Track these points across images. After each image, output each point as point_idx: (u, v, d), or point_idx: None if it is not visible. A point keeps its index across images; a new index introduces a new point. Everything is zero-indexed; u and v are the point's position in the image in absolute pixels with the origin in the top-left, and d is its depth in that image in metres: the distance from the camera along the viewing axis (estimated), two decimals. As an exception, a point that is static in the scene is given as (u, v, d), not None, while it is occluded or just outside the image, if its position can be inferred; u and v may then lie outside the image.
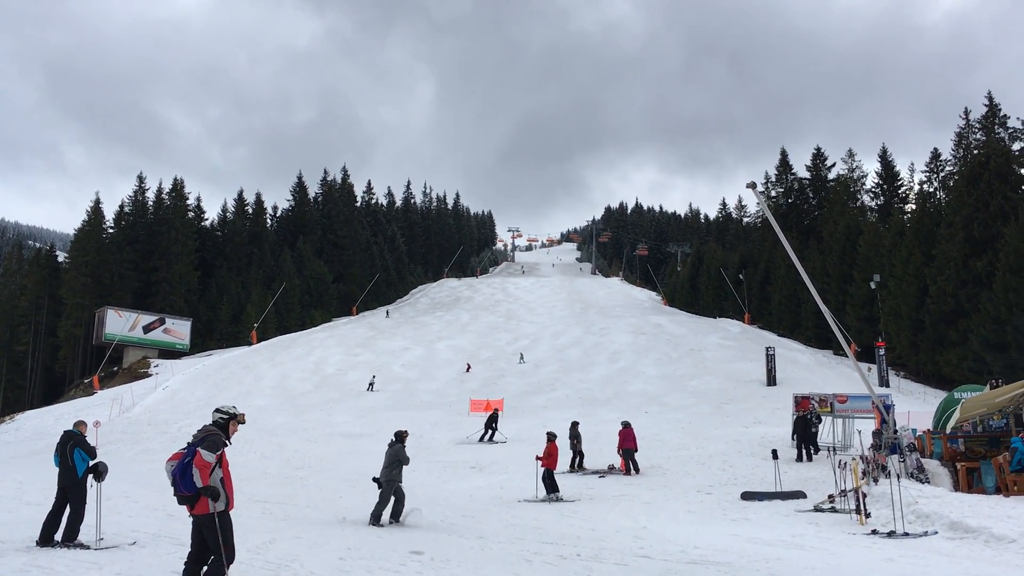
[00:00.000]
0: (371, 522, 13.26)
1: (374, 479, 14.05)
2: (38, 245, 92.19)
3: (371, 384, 43.98)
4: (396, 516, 13.54)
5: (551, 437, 19.10)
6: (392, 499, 13.63)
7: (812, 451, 22.65)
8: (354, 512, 15.16)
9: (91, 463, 10.40)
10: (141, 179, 70.19)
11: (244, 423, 7.42)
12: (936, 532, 12.31)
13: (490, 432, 29.16)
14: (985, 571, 9.86)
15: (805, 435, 22.79)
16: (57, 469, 10.47)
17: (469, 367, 47.46)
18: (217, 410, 7.11)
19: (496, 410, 30.66)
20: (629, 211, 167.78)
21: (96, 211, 65.81)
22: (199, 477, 6.54)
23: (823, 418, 25.20)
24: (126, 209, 68.77)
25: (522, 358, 48.45)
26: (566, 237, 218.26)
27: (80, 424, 11.04)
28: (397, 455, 13.95)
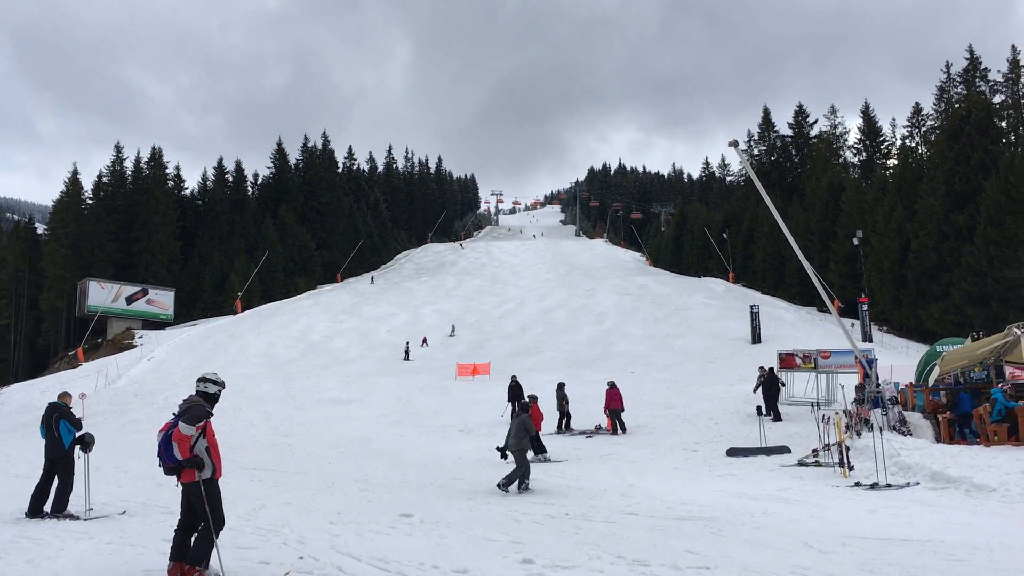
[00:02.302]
0: (501, 487, 13.21)
1: (498, 449, 14.25)
2: (16, 218, 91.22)
3: (407, 352, 42.70)
4: (522, 483, 13.49)
5: (532, 399, 19.17)
6: (515, 465, 13.72)
7: (776, 413, 22.55)
8: (343, 477, 15.23)
9: (77, 434, 10.39)
10: (119, 148, 69.33)
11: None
12: (918, 483, 12.49)
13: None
14: (966, 519, 10.02)
15: (770, 394, 22.91)
16: (43, 441, 10.46)
17: (425, 340, 46.24)
18: (201, 379, 7.08)
19: (516, 380, 26.16)
20: (612, 172, 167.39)
21: (74, 182, 65.01)
22: (178, 450, 6.54)
23: (808, 375, 25.46)
24: (104, 179, 67.95)
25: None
26: (551, 199, 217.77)
27: (64, 396, 11.01)
28: (524, 424, 13.95)
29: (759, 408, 20.99)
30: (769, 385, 23.03)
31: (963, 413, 17.30)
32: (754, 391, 23.70)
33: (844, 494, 12.29)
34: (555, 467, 16.90)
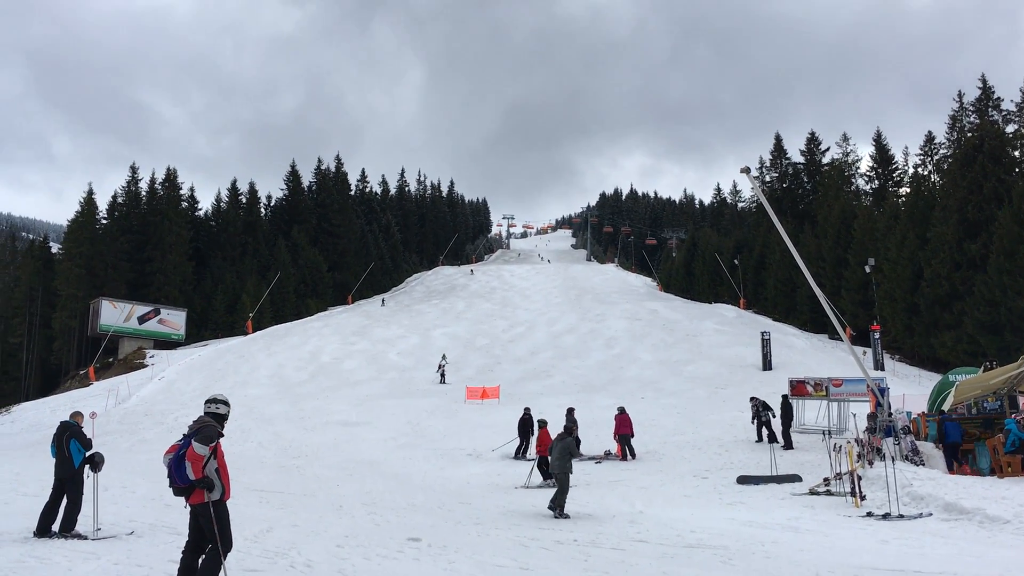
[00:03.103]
0: (552, 510, 13.41)
1: (540, 471, 14.23)
2: (31, 236, 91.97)
3: (442, 370, 41.16)
4: (560, 507, 13.55)
5: (542, 424, 19.12)
6: (557, 489, 13.79)
7: (772, 435, 22.50)
8: (351, 500, 15.19)
9: (87, 454, 10.41)
10: (134, 169, 69.78)
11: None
12: (931, 514, 12.37)
13: (526, 444, 23.54)
14: (980, 551, 9.92)
15: (765, 421, 22.87)
16: (53, 460, 10.49)
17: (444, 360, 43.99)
18: (210, 400, 7.10)
19: (529, 413, 24.18)
20: (624, 197, 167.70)
21: (89, 202, 65.48)
22: (191, 470, 6.55)
23: (812, 403, 25.32)
24: (119, 200, 68.43)
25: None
26: (562, 224, 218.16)
27: (76, 415, 11.05)
28: (568, 448, 14.05)
29: (771, 435, 20.87)
30: (784, 411, 22.93)
31: (951, 443, 17.35)
32: (751, 422, 23.59)
33: (856, 524, 12.18)
34: (564, 493, 16.81)
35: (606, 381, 40.28)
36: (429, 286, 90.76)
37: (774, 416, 23.14)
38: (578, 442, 23.34)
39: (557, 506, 13.44)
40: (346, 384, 42.01)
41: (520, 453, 23.18)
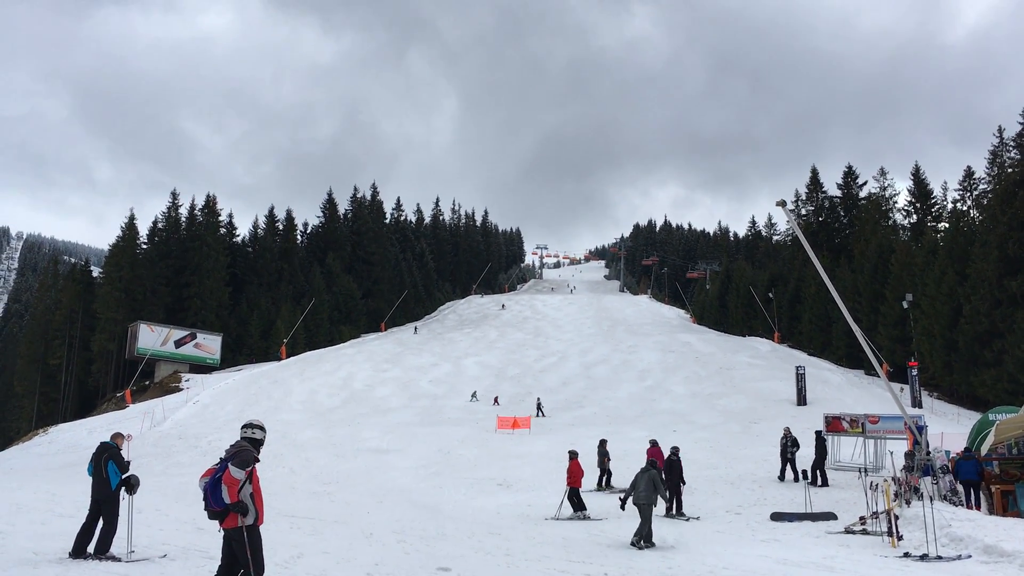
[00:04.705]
0: (640, 544, 13.61)
1: (620, 499, 14.55)
2: (73, 260, 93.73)
3: (538, 404, 41.22)
4: (648, 539, 13.83)
5: (573, 455, 19.00)
6: (640, 520, 14.05)
7: (796, 474, 22.41)
8: (381, 527, 15.20)
9: (123, 476, 10.51)
10: (175, 195, 71.09)
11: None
12: (970, 556, 12.10)
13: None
14: (1021, 596, 9.68)
15: (789, 458, 22.72)
16: (90, 481, 10.59)
17: (497, 400, 44.48)
18: (247, 425, 7.18)
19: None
20: (658, 228, 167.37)
21: (131, 227, 66.75)
22: (227, 493, 6.61)
23: (852, 439, 24.95)
24: (159, 225, 69.65)
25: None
26: (599, 254, 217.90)
27: (117, 436, 11.09)
28: (654, 480, 14.23)
29: (805, 472, 20.59)
30: (818, 448, 22.62)
31: (965, 481, 17.14)
32: (780, 455, 23.25)
33: (892, 564, 11.94)
34: (595, 525, 16.69)
35: (638, 413, 40.02)
36: (462, 315, 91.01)
37: (798, 449, 22.93)
38: (610, 474, 23.27)
39: (640, 537, 13.67)
40: (378, 411, 42.15)
41: (603, 484, 22.93)
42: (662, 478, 14.62)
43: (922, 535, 13.07)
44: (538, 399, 41.86)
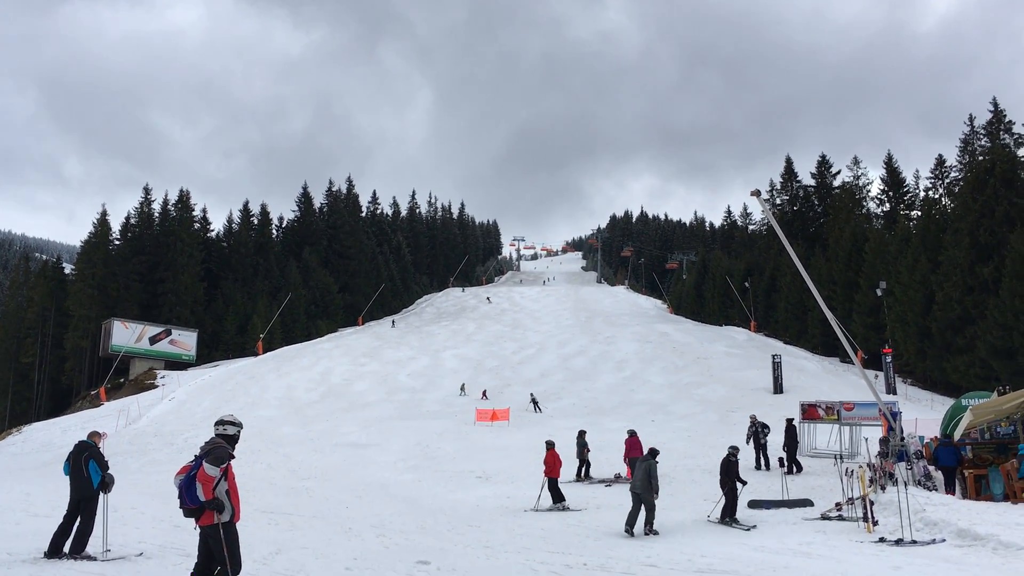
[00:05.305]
0: (647, 531, 14.08)
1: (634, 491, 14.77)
2: (44, 257, 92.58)
3: (533, 399, 40.67)
4: (650, 525, 14.30)
5: (549, 445, 19.02)
6: (644, 510, 14.38)
7: (767, 461, 22.81)
8: (360, 522, 15.16)
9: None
10: (147, 191, 70.36)
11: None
12: (944, 540, 12.25)
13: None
14: (994, 579, 9.81)
15: (761, 443, 23.14)
16: (67, 479, 10.47)
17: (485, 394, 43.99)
18: (220, 422, 7.12)
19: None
20: (635, 220, 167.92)
21: (103, 223, 66.00)
22: (202, 491, 6.57)
23: (824, 427, 25.18)
24: (132, 221, 68.94)
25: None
26: (573, 245, 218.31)
27: (94, 435, 11.02)
28: (649, 470, 14.60)
29: (781, 460, 20.75)
30: (789, 436, 22.80)
31: (944, 468, 17.37)
32: (747, 442, 23.46)
33: (868, 550, 12.06)
34: (574, 516, 16.74)
35: (616, 404, 40.15)
36: (439, 308, 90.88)
37: (769, 431, 23.18)
38: (589, 465, 23.33)
39: (651, 525, 14.15)
40: (356, 406, 42.00)
41: (582, 475, 23.00)
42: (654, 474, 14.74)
43: (897, 520, 13.22)
44: (532, 395, 41.50)
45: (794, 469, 21.76)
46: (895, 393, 37.49)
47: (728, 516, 15.43)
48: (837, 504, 15.85)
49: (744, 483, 16.23)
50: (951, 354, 39.36)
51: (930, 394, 39.87)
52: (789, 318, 58.17)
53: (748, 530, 14.51)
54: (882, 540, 12.65)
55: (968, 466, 17.42)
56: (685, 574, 10.26)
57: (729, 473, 15.80)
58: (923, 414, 29.10)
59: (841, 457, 21.75)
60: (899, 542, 12.32)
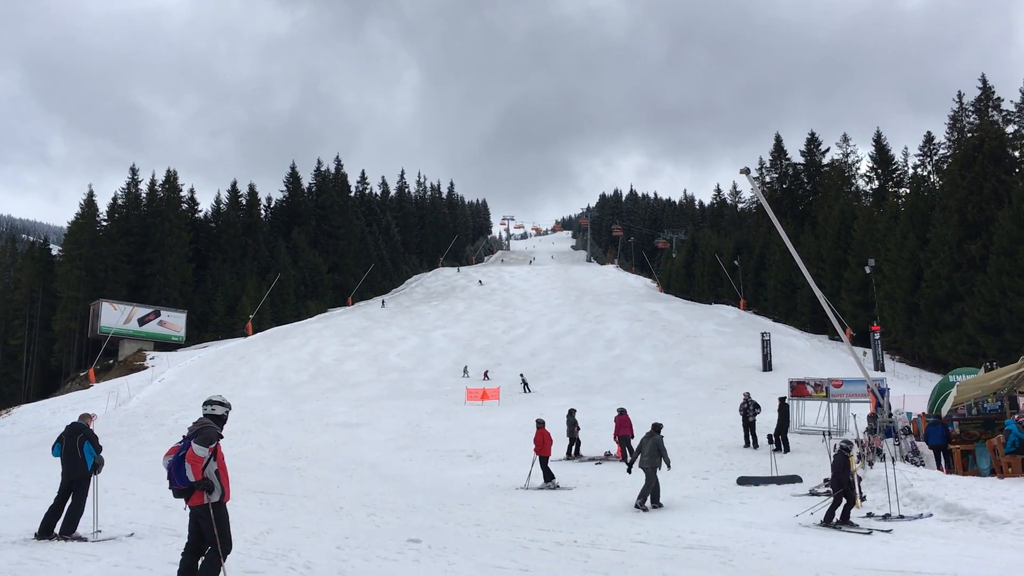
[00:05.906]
0: (645, 506, 14.25)
1: (627, 464, 15.51)
2: (31, 238, 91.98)
3: (523, 380, 40.76)
4: (656, 499, 14.54)
5: (539, 424, 19.06)
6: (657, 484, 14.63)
7: (755, 439, 22.85)
8: (351, 501, 15.18)
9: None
10: (134, 171, 69.77)
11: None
12: (931, 514, 12.37)
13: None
14: (980, 552, 9.91)
15: (750, 422, 23.13)
16: (58, 459, 10.46)
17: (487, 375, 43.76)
18: (208, 402, 7.09)
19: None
20: (624, 198, 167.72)
21: (90, 204, 65.47)
22: (191, 471, 6.55)
23: (811, 404, 25.31)
24: (119, 202, 68.40)
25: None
26: (563, 224, 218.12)
27: (85, 416, 11.00)
28: (658, 445, 14.79)
29: (769, 436, 20.88)
30: (781, 415, 22.90)
31: (934, 446, 17.52)
32: (743, 421, 23.46)
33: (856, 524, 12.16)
34: (563, 494, 16.81)
35: (606, 382, 40.29)
36: (429, 287, 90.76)
37: (759, 412, 23.27)
38: (579, 443, 23.43)
39: (643, 500, 14.29)
40: (346, 386, 42.02)
41: (572, 453, 23.16)
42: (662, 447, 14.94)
43: (885, 495, 13.33)
44: (521, 375, 41.60)
45: (782, 448, 21.87)
46: (883, 370, 37.69)
47: (841, 519, 12.28)
48: (825, 480, 15.96)
49: (861, 477, 14.40)
50: (939, 331, 39.58)
51: (918, 371, 40.13)
52: (778, 296, 58.31)
53: (870, 533, 11.54)
54: (870, 515, 12.76)
55: (955, 441, 17.56)
56: (675, 550, 10.32)
57: (844, 470, 12.67)
58: (911, 390, 29.29)
59: (830, 434, 21.90)
60: (887, 517, 12.43)
